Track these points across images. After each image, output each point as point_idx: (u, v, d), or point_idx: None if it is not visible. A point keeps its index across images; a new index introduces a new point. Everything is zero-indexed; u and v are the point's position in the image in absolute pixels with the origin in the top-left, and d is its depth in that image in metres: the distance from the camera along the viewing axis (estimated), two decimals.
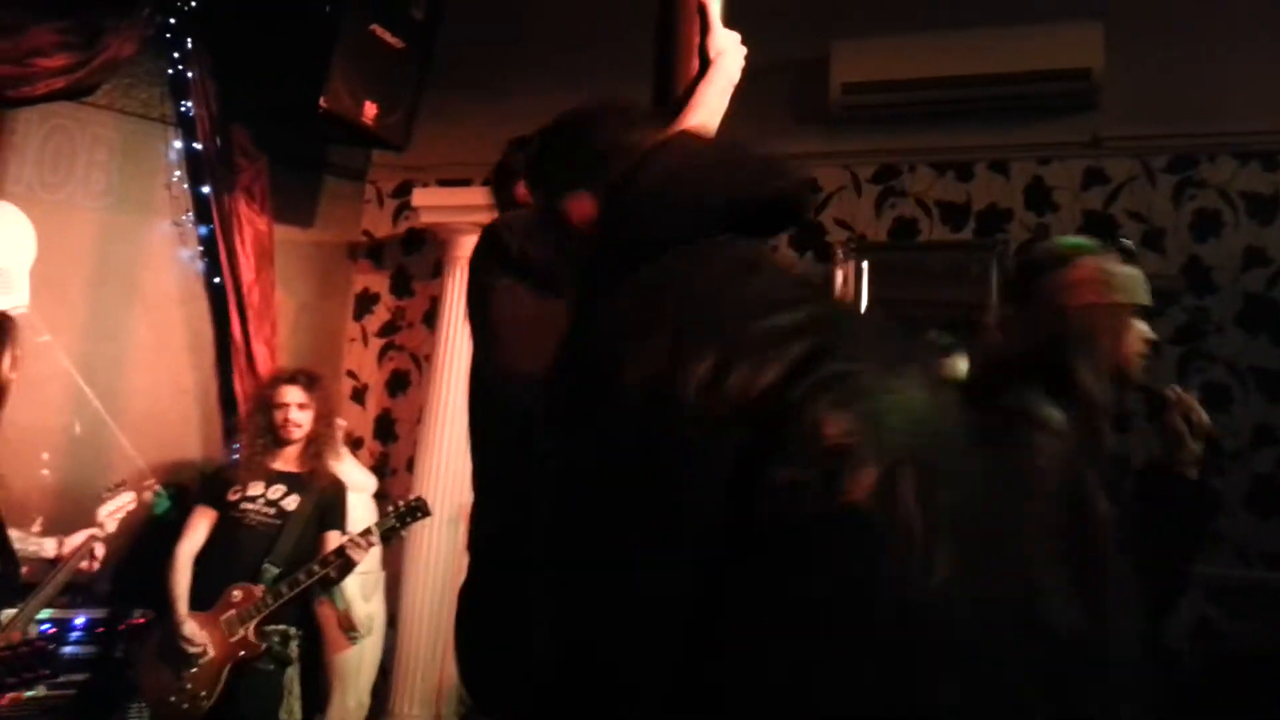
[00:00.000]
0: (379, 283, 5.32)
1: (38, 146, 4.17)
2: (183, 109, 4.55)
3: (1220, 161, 4.17)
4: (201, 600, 3.54)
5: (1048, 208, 4.35)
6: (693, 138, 1.32)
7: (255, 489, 3.68)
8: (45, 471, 4.02)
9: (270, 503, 3.66)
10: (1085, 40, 4.09)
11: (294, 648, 3.60)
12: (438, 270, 5.02)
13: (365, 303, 5.32)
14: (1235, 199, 4.14)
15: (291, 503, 3.67)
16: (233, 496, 3.67)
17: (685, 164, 1.21)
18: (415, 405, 5.00)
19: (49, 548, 3.36)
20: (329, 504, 3.76)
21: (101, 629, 3.72)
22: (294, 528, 3.63)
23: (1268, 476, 3.90)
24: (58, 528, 3.54)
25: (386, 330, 5.27)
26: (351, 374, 5.27)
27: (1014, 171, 4.42)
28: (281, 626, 3.54)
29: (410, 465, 4.79)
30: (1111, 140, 4.27)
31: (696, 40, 1.76)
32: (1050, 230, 4.31)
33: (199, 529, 3.68)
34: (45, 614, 3.56)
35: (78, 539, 3.38)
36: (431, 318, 5.02)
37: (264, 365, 4.58)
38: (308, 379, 3.89)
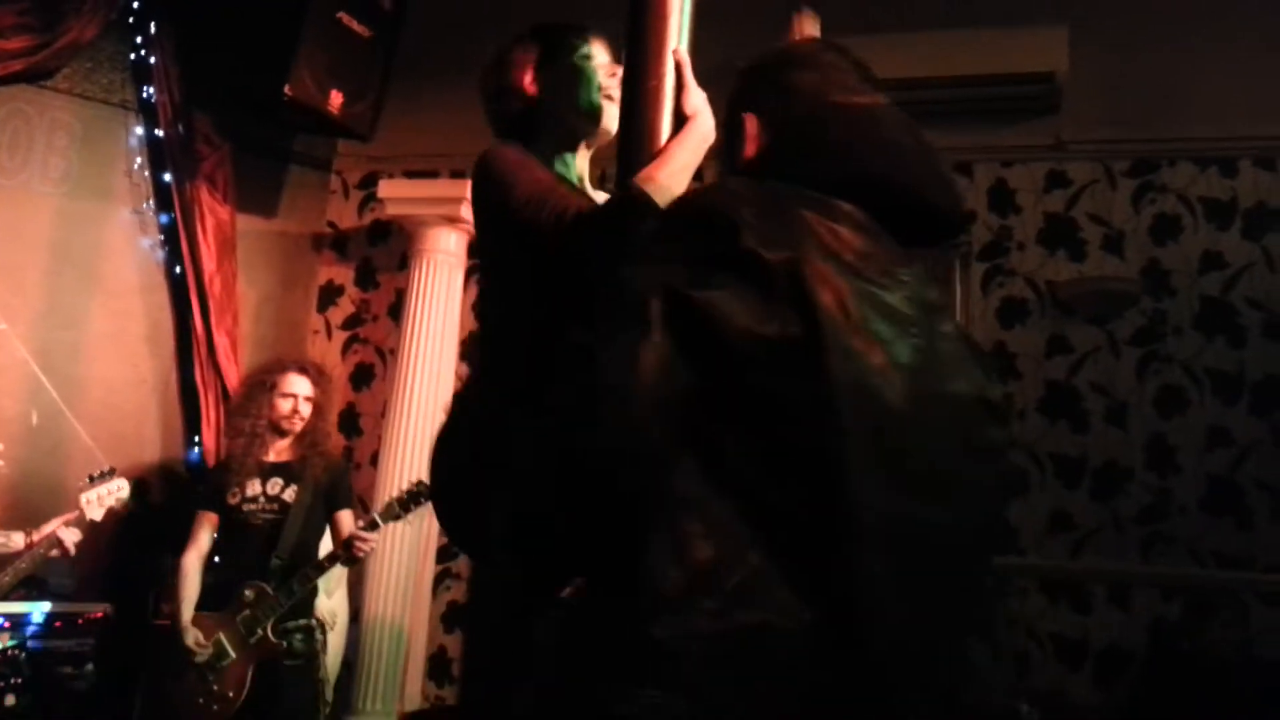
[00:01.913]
0: (344, 274, 5.27)
1: None
2: (145, 95, 4.47)
3: (1180, 167, 4.25)
4: (214, 600, 3.50)
5: (1010, 210, 4.40)
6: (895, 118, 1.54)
7: (253, 488, 3.60)
8: (1, 463, 3.94)
9: (271, 498, 3.60)
10: (1050, 44, 4.14)
11: (318, 638, 3.57)
12: (403, 263, 4.98)
13: (329, 295, 5.27)
14: (1194, 204, 4.21)
15: (290, 494, 3.60)
16: (233, 500, 3.59)
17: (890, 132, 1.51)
18: (379, 399, 4.97)
19: (17, 540, 3.28)
20: (332, 484, 3.68)
21: (60, 623, 3.65)
22: (296, 519, 3.57)
23: (1222, 477, 3.98)
24: (14, 519, 3.47)
25: (351, 323, 5.22)
26: None
27: (977, 174, 4.47)
28: (302, 621, 3.50)
29: (374, 460, 4.75)
30: (1074, 144, 4.34)
31: (663, 87, 1.75)
32: (1013, 232, 4.37)
33: (203, 535, 3.61)
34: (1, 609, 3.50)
35: (48, 528, 3.28)
36: (397, 311, 4.98)
37: (225, 357, 4.52)
38: (316, 370, 3.84)
